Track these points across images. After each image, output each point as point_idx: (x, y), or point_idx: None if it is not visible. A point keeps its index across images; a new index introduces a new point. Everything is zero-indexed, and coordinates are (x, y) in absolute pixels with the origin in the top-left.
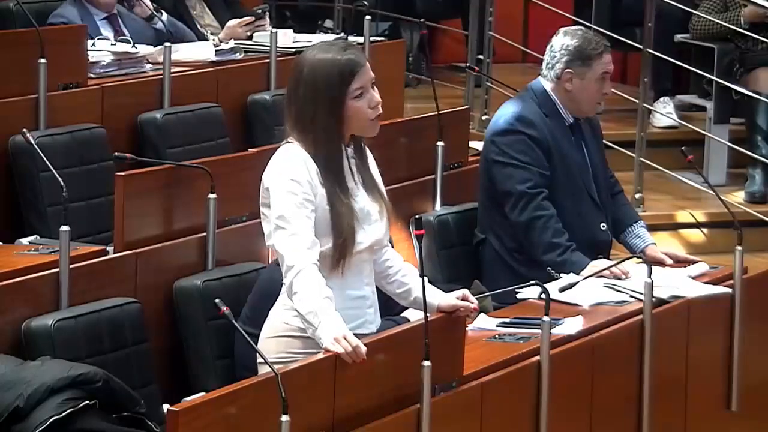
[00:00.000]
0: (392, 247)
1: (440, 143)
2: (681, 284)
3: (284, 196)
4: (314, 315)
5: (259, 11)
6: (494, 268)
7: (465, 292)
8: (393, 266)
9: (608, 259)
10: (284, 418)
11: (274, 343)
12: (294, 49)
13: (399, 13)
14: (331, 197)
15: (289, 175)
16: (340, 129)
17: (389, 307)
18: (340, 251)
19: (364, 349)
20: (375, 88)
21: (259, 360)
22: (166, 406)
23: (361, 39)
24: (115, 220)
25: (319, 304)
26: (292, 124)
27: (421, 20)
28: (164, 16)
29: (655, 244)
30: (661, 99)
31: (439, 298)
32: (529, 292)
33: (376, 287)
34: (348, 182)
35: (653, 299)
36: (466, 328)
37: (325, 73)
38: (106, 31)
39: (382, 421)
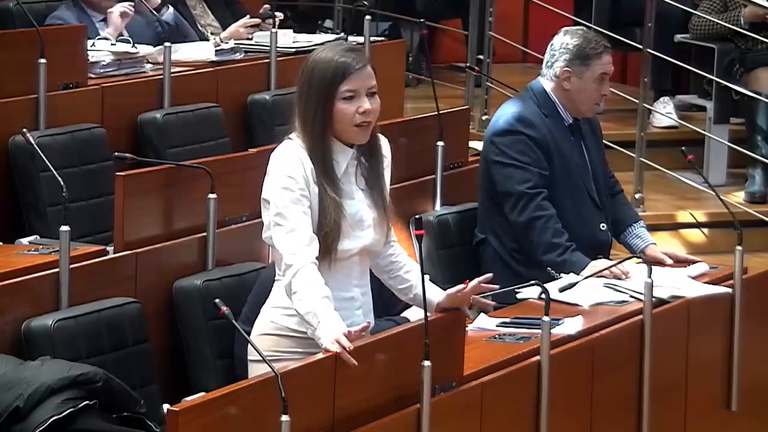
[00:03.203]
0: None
1: (440, 143)
2: (681, 284)
3: (281, 193)
4: (313, 315)
5: (267, 12)
6: (494, 268)
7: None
8: (397, 261)
9: (608, 259)
10: (284, 418)
11: (262, 341)
12: (294, 49)
13: (399, 13)
14: (321, 193)
15: (286, 172)
16: (327, 128)
17: (390, 306)
18: (323, 245)
19: None
20: (374, 96)
21: (250, 357)
22: (166, 406)
23: (361, 39)
24: (115, 220)
25: (318, 303)
26: (294, 118)
27: (421, 20)
28: (170, 9)
29: (655, 244)
30: (661, 99)
31: (438, 295)
32: (529, 292)
33: (380, 282)
34: (344, 183)
35: (653, 299)
36: (466, 328)
37: (321, 71)
38: (105, 34)
39: (382, 421)
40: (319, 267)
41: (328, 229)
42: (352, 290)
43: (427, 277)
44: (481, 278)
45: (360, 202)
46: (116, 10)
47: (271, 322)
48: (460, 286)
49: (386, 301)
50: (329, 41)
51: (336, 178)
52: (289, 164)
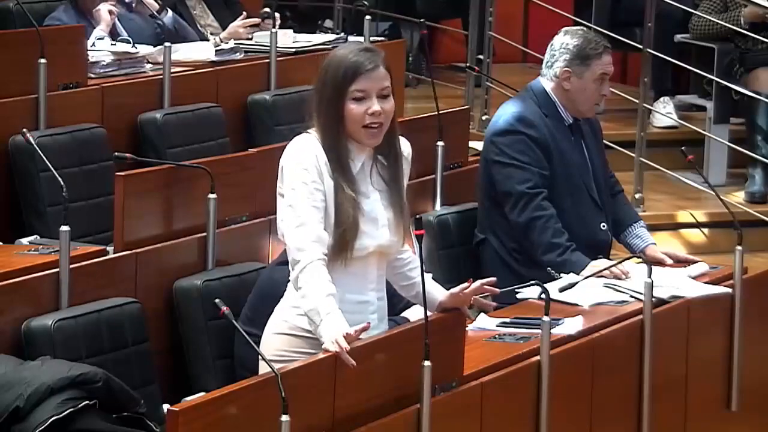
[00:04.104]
0: None
1: (440, 143)
2: (681, 284)
3: (293, 185)
4: (316, 313)
5: (267, 13)
6: (494, 268)
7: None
8: (402, 258)
9: (608, 259)
10: (284, 418)
11: (276, 339)
12: (294, 49)
13: (399, 13)
14: (336, 189)
15: (300, 165)
16: (338, 127)
17: (390, 306)
18: (340, 243)
19: None
20: (386, 98)
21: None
22: (166, 406)
23: (361, 39)
24: (115, 220)
25: (321, 301)
26: (312, 114)
27: (421, 20)
28: (169, 13)
29: (655, 244)
30: (661, 99)
31: (441, 294)
32: (529, 292)
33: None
34: (359, 182)
35: (653, 299)
36: (466, 328)
37: (334, 69)
38: (98, 32)
39: (382, 421)
40: (334, 266)
41: (346, 227)
42: (367, 294)
43: (430, 275)
44: (485, 281)
45: (375, 202)
46: (103, 7)
47: (284, 321)
48: (464, 285)
49: (386, 301)
50: (329, 41)
51: (352, 176)
52: (303, 156)
